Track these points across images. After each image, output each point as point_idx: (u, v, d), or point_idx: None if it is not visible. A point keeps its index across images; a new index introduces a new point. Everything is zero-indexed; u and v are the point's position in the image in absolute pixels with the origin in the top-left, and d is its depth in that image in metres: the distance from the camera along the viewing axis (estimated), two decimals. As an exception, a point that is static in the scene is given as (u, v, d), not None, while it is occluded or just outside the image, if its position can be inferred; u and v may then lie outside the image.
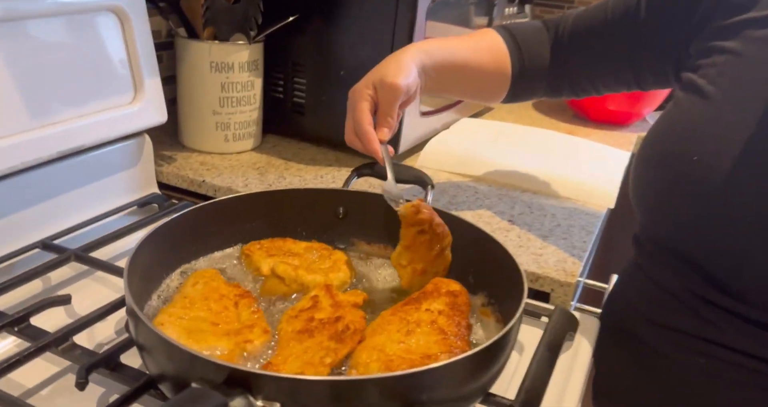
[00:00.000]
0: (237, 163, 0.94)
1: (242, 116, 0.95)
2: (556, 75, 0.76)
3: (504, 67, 0.75)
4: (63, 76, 0.70)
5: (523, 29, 0.77)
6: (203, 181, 0.87)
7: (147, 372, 0.50)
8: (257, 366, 0.50)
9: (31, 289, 0.65)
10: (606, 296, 0.76)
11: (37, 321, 0.58)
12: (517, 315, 0.50)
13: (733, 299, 0.58)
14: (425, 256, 0.62)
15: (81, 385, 0.49)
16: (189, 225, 0.63)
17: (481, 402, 0.51)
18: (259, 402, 0.40)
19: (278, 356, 0.50)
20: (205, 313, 0.55)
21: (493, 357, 0.48)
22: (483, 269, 0.62)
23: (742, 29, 0.60)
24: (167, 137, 0.98)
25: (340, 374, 0.50)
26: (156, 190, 0.86)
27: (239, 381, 0.40)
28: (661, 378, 0.66)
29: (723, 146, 0.57)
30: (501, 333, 0.47)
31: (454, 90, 0.77)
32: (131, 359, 0.53)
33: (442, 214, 0.66)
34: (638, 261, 0.67)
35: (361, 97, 0.65)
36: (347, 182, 0.73)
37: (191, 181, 0.88)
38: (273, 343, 0.53)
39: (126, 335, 0.59)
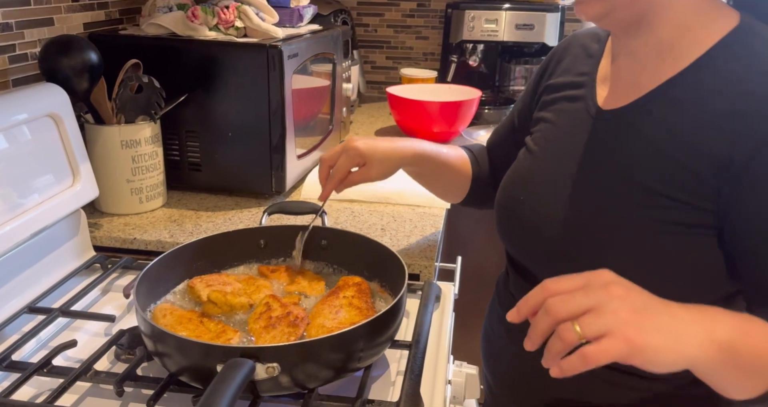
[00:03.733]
0: (155, 219, 1.14)
1: (151, 180, 1.15)
2: (493, 183, 0.95)
3: (468, 172, 0.99)
4: (21, 176, 0.87)
5: (478, 147, 1.03)
6: (134, 238, 1.06)
7: (167, 373, 0.71)
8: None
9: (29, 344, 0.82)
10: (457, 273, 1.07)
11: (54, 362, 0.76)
12: (403, 289, 0.78)
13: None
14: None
15: (120, 393, 0.70)
16: (152, 275, 0.83)
17: (391, 347, 0.79)
18: (266, 364, 0.64)
19: (258, 344, 0.74)
20: (187, 332, 0.77)
21: (393, 316, 0.76)
22: (373, 264, 0.90)
23: (557, 102, 0.82)
24: (87, 206, 1.15)
25: (300, 347, 0.75)
26: (93, 253, 1.04)
27: (249, 355, 0.64)
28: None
29: (540, 190, 0.78)
30: (395, 300, 0.76)
31: (430, 179, 0.99)
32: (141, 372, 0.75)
33: (335, 231, 0.93)
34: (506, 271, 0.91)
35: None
36: (261, 220, 0.98)
37: (123, 240, 1.07)
38: (245, 339, 0.76)
39: (118, 362, 0.79)
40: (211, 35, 1.19)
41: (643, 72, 0.73)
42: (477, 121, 1.81)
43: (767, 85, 0.64)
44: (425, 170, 0.96)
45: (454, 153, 0.99)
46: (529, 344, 0.57)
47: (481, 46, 1.95)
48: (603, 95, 0.77)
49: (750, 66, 0.66)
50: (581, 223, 0.73)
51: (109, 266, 0.98)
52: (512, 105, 1.88)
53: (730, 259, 0.68)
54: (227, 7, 1.21)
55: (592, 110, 0.77)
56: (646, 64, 0.73)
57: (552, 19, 1.83)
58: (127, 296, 0.89)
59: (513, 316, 0.58)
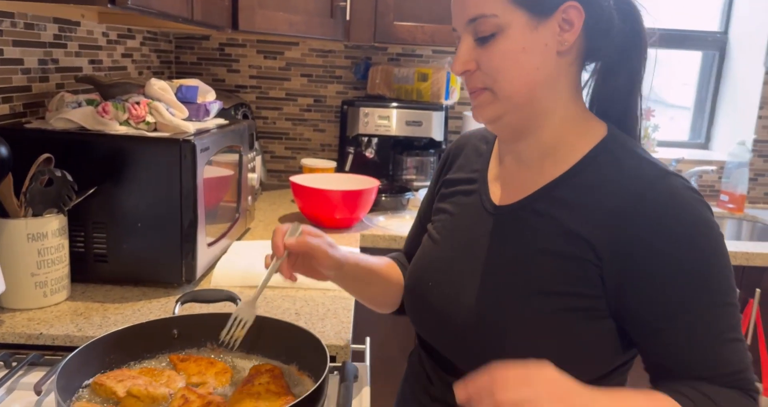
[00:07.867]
0: (60, 313, 1.11)
1: (56, 273, 1.13)
2: None
3: (398, 278, 0.99)
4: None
5: (398, 254, 1.06)
6: (40, 333, 1.03)
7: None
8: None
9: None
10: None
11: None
12: (325, 371, 0.83)
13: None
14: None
15: None
16: (71, 369, 0.82)
17: (315, 427, 0.82)
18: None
19: (184, 434, 0.75)
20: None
21: (316, 398, 0.80)
22: (291, 348, 0.94)
23: (455, 196, 0.91)
24: (-16, 303, 1.10)
25: (226, 433, 0.76)
26: (-7, 351, 1.00)
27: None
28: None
29: (447, 277, 0.86)
30: (318, 383, 0.80)
31: (362, 284, 0.97)
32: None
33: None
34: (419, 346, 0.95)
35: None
36: (174, 309, 1.00)
37: (29, 336, 1.03)
38: (171, 429, 0.77)
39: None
40: (122, 130, 1.23)
41: (528, 172, 0.84)
42: (376, 207, 1.92)
43: (632, 187, 0.75)
44: (357, 273, 0.95)
45: (380, 260, 1.01)
46: None
47: (375, 140, 2.10)
48: (496, 192, 0.87)
49: (617, 171, 0.77)
50: (485, 309, 0.81)
51: (14, 363, 0.94)
52: (407, 193, 2.02)
53: (626, 339, 0.77)
54: (138, 103, 1.26)
55: (488, 205, 0.87)
56: (530, 165, 0.84)
57: (437, 117, 2.03)
58: (38, 392, 0.86)
59: (460, 390, 0.66)
